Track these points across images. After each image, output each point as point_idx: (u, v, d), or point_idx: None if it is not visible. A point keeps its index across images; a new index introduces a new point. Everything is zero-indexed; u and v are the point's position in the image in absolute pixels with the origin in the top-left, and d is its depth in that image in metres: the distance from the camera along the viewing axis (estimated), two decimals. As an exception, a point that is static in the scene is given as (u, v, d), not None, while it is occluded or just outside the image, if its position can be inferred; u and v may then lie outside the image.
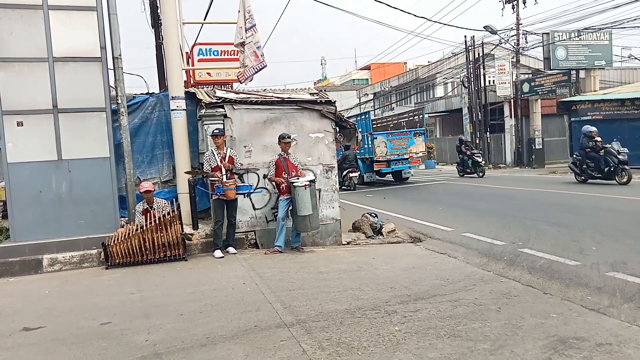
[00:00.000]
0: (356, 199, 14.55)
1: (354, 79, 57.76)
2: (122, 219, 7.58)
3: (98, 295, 5.46)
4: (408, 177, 19.89)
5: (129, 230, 6.68)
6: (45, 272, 6.61)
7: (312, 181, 7.23)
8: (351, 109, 42.38)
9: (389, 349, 3.65)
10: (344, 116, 9.20)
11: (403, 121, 21.35)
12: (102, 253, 6.65)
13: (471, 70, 27.27)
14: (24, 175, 6.95)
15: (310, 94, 8.72)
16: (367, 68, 55.43)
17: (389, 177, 20.40)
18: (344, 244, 8.10)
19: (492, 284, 5.33)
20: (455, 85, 33.01)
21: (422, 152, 19.43)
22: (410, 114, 21.55)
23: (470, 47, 27.09)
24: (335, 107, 8.27)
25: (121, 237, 6.59)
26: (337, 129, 8.60)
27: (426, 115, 25.06)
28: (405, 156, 18.63)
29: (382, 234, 8.74)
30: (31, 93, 6.96)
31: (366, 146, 18.23)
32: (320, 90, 9.24)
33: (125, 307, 4.93)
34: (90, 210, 7.16)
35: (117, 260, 6.59)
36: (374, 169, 18.59)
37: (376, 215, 9.22)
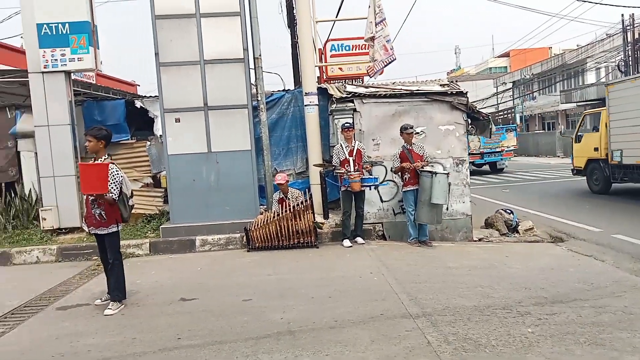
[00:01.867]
0: (489, 193, 13.87)
1: (490, 68, 54.54)
2: (261, 206, 8.24)
3: (240, 275, 6.06)
4: (503, 168, 22.26)
5: (267, 217, 7.26)
6: (197, 251, 7.49)
7: (447, 174, 7.18)
8: (487, 99, 40.21)
9: (519, 350, 3.51)
10: (476, 107, 8.82)
11: (499, 118, 24.43)
12: (244, 237, 7.33)
13: (629, 52, 24.08)
14: (181, 165, 7.91)
15: (441, 85, 8.53)
16: (506, 55, 51.98)
17: (486, 168, 22.76)
18: (475, 241, 7.81)
19: (647, 292, 4.77)
20: (610, 70, 29.41)
21: (514, 146, 22.06)
22: (505, 112, 25.45)
23: (628, 27, 23.94)
24: (467, 98, 7.98)
25: (260, 224, 7.19)
26: (469, 121, 8.30)
27: (518, 113, 30.11)
28: (498, 149, 21.40)
29: (518, 232, 8.26)
30: (186, 93, 7.88)
31: None
32: (452, 81, 8.98)
33: (264, 287, 5.40)
34: (233, 198, 7.90)
35: (257, 244, 7.21)
36: (469, 161, 20.68)
37: (512, 212, 8.72)
